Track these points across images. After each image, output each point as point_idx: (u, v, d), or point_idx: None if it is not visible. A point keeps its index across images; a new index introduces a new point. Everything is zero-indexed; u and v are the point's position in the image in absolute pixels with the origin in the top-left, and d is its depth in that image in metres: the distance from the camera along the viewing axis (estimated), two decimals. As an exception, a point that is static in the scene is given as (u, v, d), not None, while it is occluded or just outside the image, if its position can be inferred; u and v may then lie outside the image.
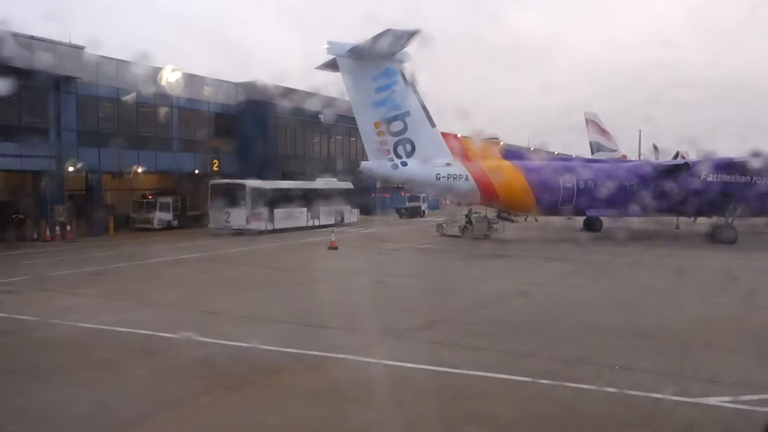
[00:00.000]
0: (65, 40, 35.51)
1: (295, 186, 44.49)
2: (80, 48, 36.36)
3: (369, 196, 58.92)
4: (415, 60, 33.27)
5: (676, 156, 40.51)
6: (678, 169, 35.21)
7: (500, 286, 20.68)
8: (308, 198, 43.51)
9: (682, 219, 40.91)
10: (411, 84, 33.06)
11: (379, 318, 14.97)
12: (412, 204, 60.15)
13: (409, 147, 32.77)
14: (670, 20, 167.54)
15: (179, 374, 10.84)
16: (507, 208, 39.40)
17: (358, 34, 31.83)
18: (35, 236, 35.53)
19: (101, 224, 39.15)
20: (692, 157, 37.63)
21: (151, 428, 8.54)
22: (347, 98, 34.08)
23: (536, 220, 47.58)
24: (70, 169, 37.54)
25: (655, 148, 48.37)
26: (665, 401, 9.35)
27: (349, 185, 47.81)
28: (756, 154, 32.31)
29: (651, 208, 33.95)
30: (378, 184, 58.92)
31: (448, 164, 33.46)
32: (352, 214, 48.41)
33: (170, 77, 41.47)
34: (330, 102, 45.05)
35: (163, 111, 43.57)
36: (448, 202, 65.87)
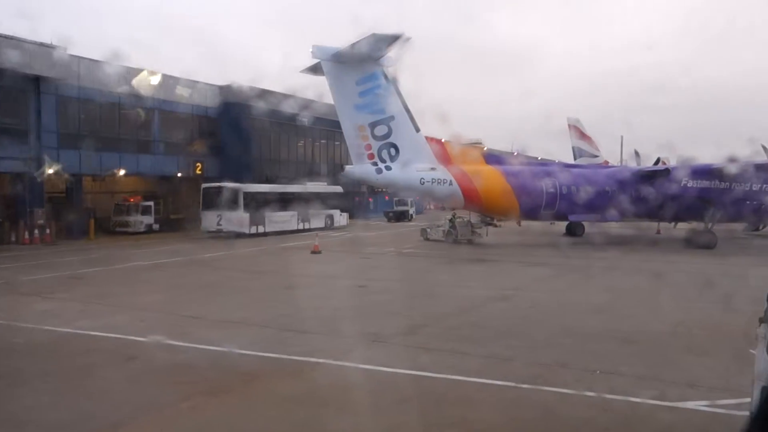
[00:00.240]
0: (45, 40, 35.21)
1: (286, 190, 44.68)
2: (61, 49, 36.00)
3: (357, 200, 59.15)
4: (400, 64, 33.39)
5: (657, 162, 40.89)
6: (659, 175, 35.55)
7: (482, 290, 20.71)
8: (299, 202, 43.84)
9: (663, 224, 41.31)
10: (395, 88, 33.14)
11: (361, 322, 14.92)
12: (400, 208, 61.18)
13: (393, 151, 32.82)
14: (653, 26, 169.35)
15: (158, 379, 10.72)
16: (490, 212, 39.54)
17: (343, 37, 31.92)
18: (13, 239, 35.14)
19: (81, 227, 38.79)
20: (673, 163, 38.04)
21: (128, 434, 8.44)
22: (331, 102, 34.09)
23: (523, 224, 47.69)
24: (50, 171, 37.13)
25: (637, 153, 48.88)
26: (643, 405, 9.40)
27: (338, 189, 48.12)
28: (734, 161, 32.73)
29: (632, 213, 34.26)
30: (362, 188, 59.02)
31: (432, 169, 33.55)
32: (341, 218, 48.97)
33: (152, 79, 41.27)
34: (314, 106, 45.07)
35: (144, 113, 43.23)
36: (431, 207, 66.09)
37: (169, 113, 44.86)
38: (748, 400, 7.72)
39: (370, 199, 63.83)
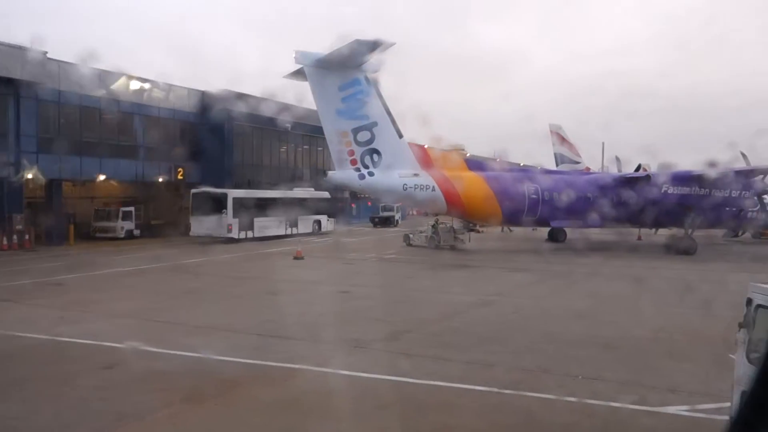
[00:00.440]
0: (24, 43, 34.79)
1: (275, 195, 44.98)
2: (40, 52, 35.58)
3: (344, 206, 59.27)
4: (383, 70, 33.44)
5: (638, 168, 41.28)
6: (639, 182, 35.85)
7: (465, 296, 20.74)
8: (287, 207, 44.05)
9: (644, 230, 41.69)
10: (378, 94, 33.17)
11: (343, 329, 14.89)
12: (386, 213, 61.68)
13: (375, 157, 32.83)
14: (631, 33, 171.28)
15: (138, 387, 10.58)
16: (473, 218, 39.66)
17: (327, 43, 31.89)
18: (-8, 245, 34.63)
19: (61, 233, 38.35)
20: (654, 169, 38.40)
21: (107, 442, 8.34)
22: (314, 107, 34.04)
23: (504, 230, 47.88)
24: (29, 176, 36.67)
25: (618, 159, 49.19)
26: (625, 410, 9.45)
27: (326, 195, 48.50)
28: (713, 167, 33.13)
29: (613, 219, 34.48)
30: (344, 194, 59.04)
31: (415, 175, 33.59)
32: (329, 223, 49.49)
33: (133, 84, 40.97)
34: (297, 111, 45.01)
35: (126, 118, 42.85)
36: (414, 213, 66.25)
37: (150, 118, 44.44)
38: (728, 404, 7.78)
39: (353, 205, 63.89)
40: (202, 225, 40.38)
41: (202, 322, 16.00)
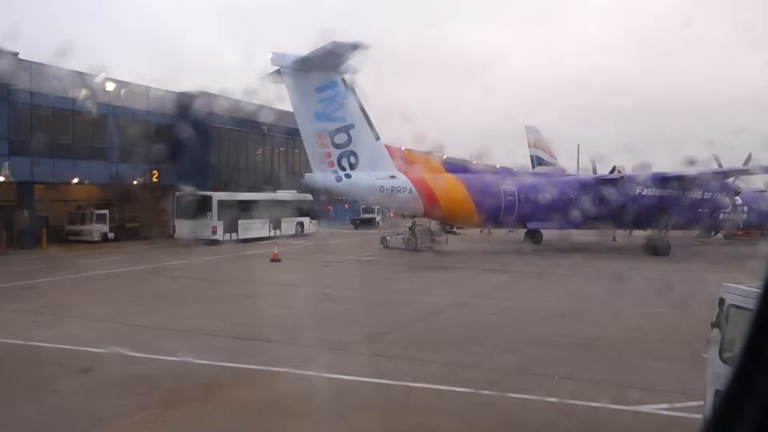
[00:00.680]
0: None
1: (259, 198, 45.29)
2: (12, 53, 35.04)
3: (325, 208, 59.47)
4: (360, 72, 33.45)
5: (613, 170, 41.72)
6: (614, 183, 36.25)
7: (442, 297, 20.79)
8: (270, 209, 44.52)
9: (619, 231, 42.16)
10: (355, 96, 33.15)
11: (321, 331, 14.83)
12: (367, 215, 62.52)
13: (353, 159, 32.82)
14: (609, 34, 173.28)
15: (114, 391, 10.45)
16: (450, 220, 39.81)
17: (304, 44, 31.85)
18: (-38, 249, 34.04)
19: (33, 236, 37.78)
20: (628, 170, 38.85)
21: (81, 448, 8.22)
22: (291, 109, 33.92)
23: (485, 232, 48.07)
24: (0, 178, 36.07)
25: (593, 162, 49.63)
26: (603, 409, 9.53)
27: (308, 197, 48.91)
28: (686, 169, 33.58)
29: (588, 220, 34.83)
30: (320, 196, 58.98)
31: (392, 177, 33.61)
32: (311, 225, 49.99)
33: (107, 85, 40.50)
34: (273, 113, 44.99)
35: (100, 120, 42.32)
36: (392, 215, 66.39)
37: (125, 119, 43.90)
38: (702, 403, 7.88)
39: (330, 207, 63.86)
40: (186, 227, 40.74)
41: (177, 326, 15.86)
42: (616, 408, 9.60)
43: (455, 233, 46.80)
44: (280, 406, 9.87)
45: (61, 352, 12.99)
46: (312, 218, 50.41)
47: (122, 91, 42.37)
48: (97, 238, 41.41)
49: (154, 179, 45.58)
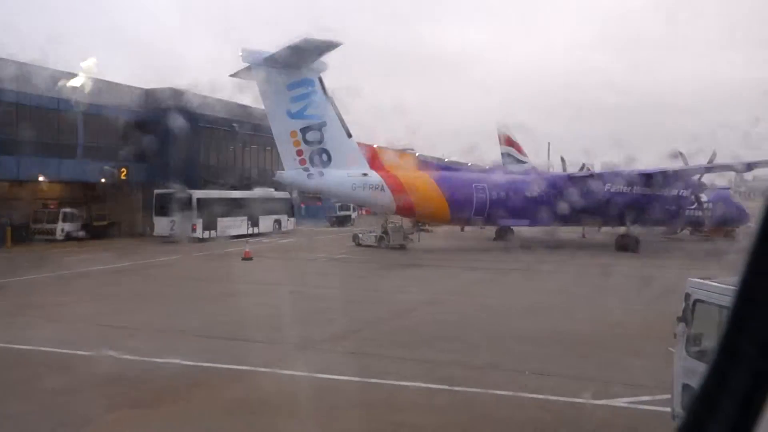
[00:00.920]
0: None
1: (237, 196, 45.54)
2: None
3: (300, 205, 59.42)
4: (334, 70, 33.36)
5: (582, 168, 42.16)
6: (584, 181, 36.68)
7: (415, 295, 20.85)
8: (249, 207, 44.83)
9: (588, 228, 42.69)
10: (327, 94, 33.01)
11: (294, 329, 14.79)
12: (343, 213, 63.03)
13: (325, 157, 32.69)
14: (583, 33, 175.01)
15: (84, 392, 10.33)
16: (422, 217, 39.90)
17: (275, 41, 31.58)
18: None
19: (-3, 235, 37.01)
20: (597, 169, 39.34)
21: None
22: (263, 107, 33.66)
23: (459, 230, 48.25)
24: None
25: (563, 160, 50.09)
26: (576, 404, 9.66)
27: (286, 195, 49.11)
28: (653, 167, 34.09)
29: (559, 218, 35.15)
30: (295, 194, 58.78)
31: (365, 174, 33.56)
32: (289, 222, 50.62)
33: (75, 82, 39.76)
34: (244, 110, 44.69)
35: (67, 117, 41.51)
36: (364, 212, 66.32)
37: (93, 117, 43.08)
38: (669, 396, 8.02)
39: (303, 204, 63.62)
40: (166, 225, 40.95)
41: (150, 325, 15.70)
42: (589, 402, 9.68)
43: (428, 231, 46.98)
44: (252, 405, 9.83)
45: (32, 354, 12.85)
46: (289, 216, 50.95)
47: (89, 87, 41.61)
48: (62, 237, 40.64)
49: (122, 177, 44.85)
